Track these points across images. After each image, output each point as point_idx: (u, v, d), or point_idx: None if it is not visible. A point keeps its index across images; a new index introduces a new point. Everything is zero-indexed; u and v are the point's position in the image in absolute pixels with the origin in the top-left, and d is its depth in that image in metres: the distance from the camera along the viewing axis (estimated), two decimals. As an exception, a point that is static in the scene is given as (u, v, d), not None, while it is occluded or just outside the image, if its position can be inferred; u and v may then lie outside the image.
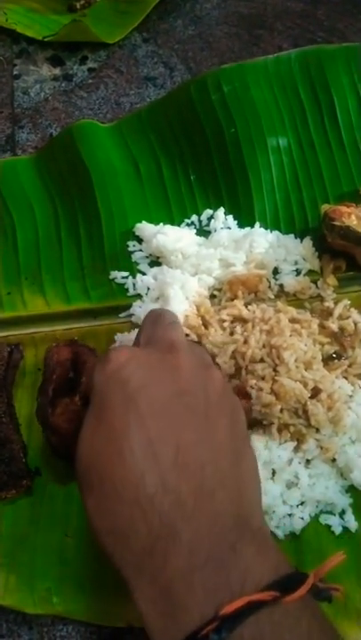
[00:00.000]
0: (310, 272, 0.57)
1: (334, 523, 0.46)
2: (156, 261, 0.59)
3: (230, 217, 0.60)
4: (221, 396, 0.39)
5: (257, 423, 0.48)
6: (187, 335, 0.52)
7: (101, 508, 0.35)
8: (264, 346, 0.50)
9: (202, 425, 0.37)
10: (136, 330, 0.54)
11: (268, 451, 0.47)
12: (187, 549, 0.32)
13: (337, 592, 0.33)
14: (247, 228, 0.59)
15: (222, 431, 0.37)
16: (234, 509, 0.34)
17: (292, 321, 0.52)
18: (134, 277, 0.58)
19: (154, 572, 0.33)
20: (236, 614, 0.29)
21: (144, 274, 0.58)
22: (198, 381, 0.38)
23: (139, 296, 0.57)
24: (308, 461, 0.48)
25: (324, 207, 0.56)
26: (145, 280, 0.57)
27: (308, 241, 0.58)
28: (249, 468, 0.38)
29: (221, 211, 0.60)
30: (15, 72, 0.77)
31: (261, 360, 0.49)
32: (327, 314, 0.54)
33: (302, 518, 0.46)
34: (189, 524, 0.33)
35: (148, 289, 0.56)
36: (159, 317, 0.43)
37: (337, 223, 0.54)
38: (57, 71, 0.77)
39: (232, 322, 0.53)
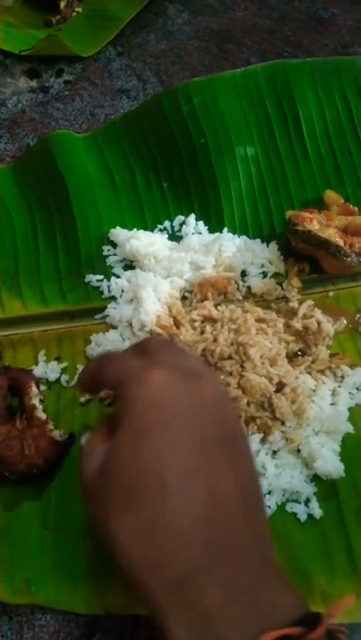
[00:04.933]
0: (276, 275, 0.60)
1: (300, 511, 0.49)
2: (129, 265, 0.61)
3: (201, 223, 0.63)
4: (238, 427, 0.40)
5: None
6: (159, 335, 0.54)
7: (137, 534, 0.34)
8: (232, 344, 0.53)
9: (230, 459, 0.37)
10: (111, 330, 0.57)
11: (237, 442, 0.49)
12: (222, 583, 0.33)
13: (344, 635, 0.34)
14: (217, 233, 0.62)
15: (246, 465, 0.38)
16: (258, 546, 0.36)
17: (259, 320, 0.55)
18: (109, 280, 0.60)
19: (190, 602, 0.33)
20: None
21: (118, 277, 0.60)
22: (221, 413, 0.38)
23: (113, 298, 0.59)
24: (274, 452, 0.50)
25: (289, 213, 0.59)
26: (119, 283, 0.59)
27: (273, 245, 0.61)
28: (262, 506, 0.39)
29: (192, 217, 0.63)
30: (-7, 84, 0.79)
31: (229, 357, 0.52)
32: (292, 314, 0.57)
33: (270, 507, 0.49)
34: (224, 559, 0.34)
35: (123, 291, 0.58)
36: (172, 344, 0.45)
37: (299, 228, 0.57)
38: (34, 83, 0.79)
39: (202, 322, 0.55)
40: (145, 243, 0.59)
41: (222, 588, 0.33)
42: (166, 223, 0.64)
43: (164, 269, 0.59)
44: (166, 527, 0.34)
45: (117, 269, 0.61)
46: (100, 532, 0.36)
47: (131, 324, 0.56)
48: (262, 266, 0.60)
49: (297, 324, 0.55)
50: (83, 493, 0.38)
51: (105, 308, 0.58)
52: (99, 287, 0.60)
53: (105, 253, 0.61)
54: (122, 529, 0.35)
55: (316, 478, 0.50)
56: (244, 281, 0.59)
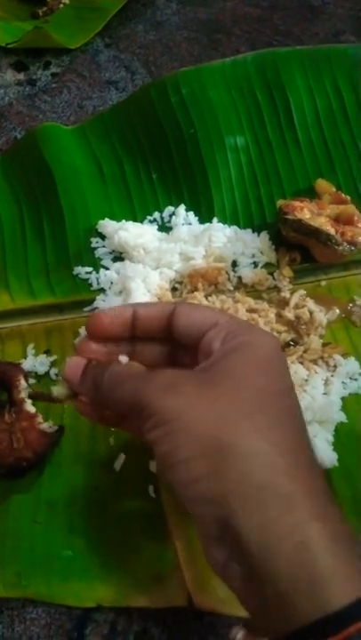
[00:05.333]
0: (267, 264, 0.60)
1: (292, 500, 0.48)
2: (118, 257, 0.60)
3: (191, 213, 0.62)
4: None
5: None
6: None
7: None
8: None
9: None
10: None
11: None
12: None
13: None
14: (207, 224, 0.61)
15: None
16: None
17: (251, 311, 0.55)
18: (97, 272, 0.59)
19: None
20: None
21: (107, 269, 0.59)
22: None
23: (102, 290, 0.58)
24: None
25: (280, 202, 0.59)
26: (108, 275, 0.58)
27: (264, 235, 0.60)
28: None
29: (182, 207, 0.62)
30: (-20, 77, 0.78)
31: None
32: (284, 304, 0.56)
33: (262, 497, 0.48)
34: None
35: (112, 283, 0.58)
36: None
37: (290, 217, 0.56)
38: (21, 76, 0.78)
39: (193, 313, 0.55)
40: (134, 234, 0.58)
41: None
42: (156, 214, 0.63)
43: (154, 260, 0.58)
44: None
45: (106, 261, 0.60)
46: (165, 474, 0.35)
47: (120, 316, 0.55)
48: (253, 256, 0.59)
49: (289, 313, 0.55)
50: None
51: (94, 300, 0.58)
52: (87, 279, 0.59)
53: (93, 245, 0.61)
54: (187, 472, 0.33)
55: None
56: (234, 271, 0.59)
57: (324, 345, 0.54)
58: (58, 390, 0.42)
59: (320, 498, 0.32)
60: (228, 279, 0.58)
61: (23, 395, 0.52)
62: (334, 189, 0.61)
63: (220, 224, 0.61)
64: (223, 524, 0.32)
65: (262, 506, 0.31)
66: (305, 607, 0.29)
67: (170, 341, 0.41)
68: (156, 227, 0.62)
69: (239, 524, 0.31)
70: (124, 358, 0.39)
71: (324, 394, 0.51)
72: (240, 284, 0.58)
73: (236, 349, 0.36)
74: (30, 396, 0.50)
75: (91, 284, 0.59)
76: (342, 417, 0.51)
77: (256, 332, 0.38)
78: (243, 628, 0.32)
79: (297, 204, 0.57)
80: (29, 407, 0.51)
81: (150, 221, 0.63)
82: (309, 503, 0.31)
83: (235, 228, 0.61)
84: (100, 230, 0.61)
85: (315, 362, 0.53)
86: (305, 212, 0.57)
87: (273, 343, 0.37)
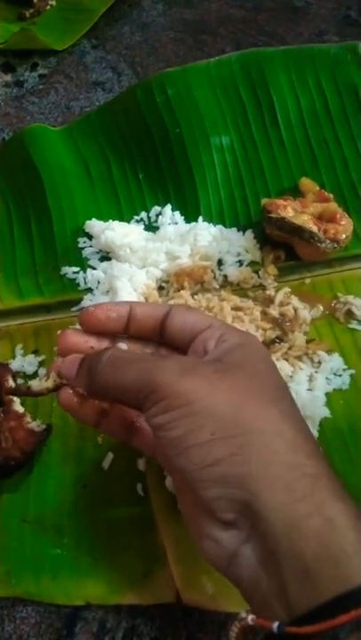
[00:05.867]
0: (252, 263, 0.60)
1: (279, 496, 0.49)
2: (106, 256, 0.61)
3: (177, 213, 0.63)
4: None
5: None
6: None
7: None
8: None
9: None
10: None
11: (214, 430, 0.49)
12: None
13: None
14: (193, 223, 0.62)
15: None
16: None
17: (236, 309, 0.55)
18: (85, 272, 0.60)
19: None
20: None
21: (94, 268, 0.60)
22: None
23: (89, 290, 0.59)
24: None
25: (264, 201, 0.59)
26: (95, 274, 0.59)
27: (249, 233, 0.61)
28: None
29: (168, 207, 0.63)
30: (-33, 79, 0.78)
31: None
32: (269, 301, 0.57)
33: (248, 493, 0.49)
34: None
35: (99, 283, 0.58)
36: None
37: (273, 215, 0.57)
38: (8, 78, 0.78)
39: (179, 311, 0.55)
40: (120, 233, 0.59)
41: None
42: (143, 214, 0.63)
43: (140, 260, 0.58)
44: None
45: (93, 261, 0.60)
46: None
47: (107, 316, 0.56)
48: (238, 254, 0.60)
49: (274, 311, 0.55)
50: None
51: (81, 300, 0.58)
52: (75, 279, 0.60)
53: (81, 245, 0.61)
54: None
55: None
56: (220, 270, 0.59)
57: (308, 342, 0.55)
58: (38, 384, 0.42)
59: (339, 482, 0.33)
60: (214, 277, 0.59)
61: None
62: (318, 188, 0.62)
63: (206, 223, 0.61)
64: (242, 505, 0.32)
65: (290, 486, 0.32)
66: (328, 584, 0.30)
67: (155, 342, 0.42)
68: (143, 226, 0.62)
69: (263, 504, 0.31)
70: (123, 345, 0.40)
71: (309, 390, 0.52)
72: (226, 283, 0.59)
73: (237, 348, 0.37)
74: (11, 392, 0.50)
75: (78, 284, 0.59)
76: (326, 412, 0.51)
77: (248, 335, 0.40)
78: (250, 612, 0.32)
79: (280, 202, 0.58)
80: (17, 407, 0.52)
81: (137, 221, 0.63)
82: (332, 485, 0.32)
83: (220, 227, 0.61)
84: (87, 230, 0.62)
85: (299, 358, 0.54)
86: (288, 210, 0.57)
87: (263, 346, 0.39)
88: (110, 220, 0.61)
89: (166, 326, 0.40)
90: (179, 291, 0.57)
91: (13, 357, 0.56)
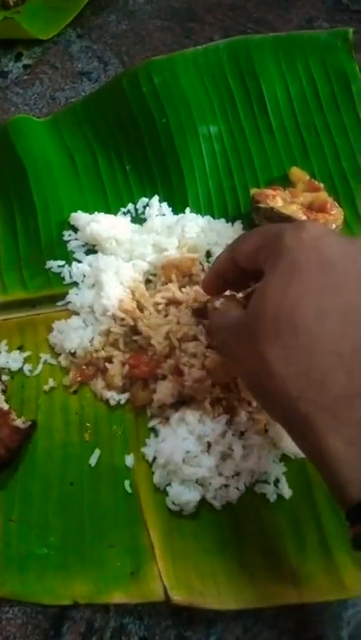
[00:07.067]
0: (241, 254, 0.59)
1: (269, 491, 0.48)
2: (92, 249, 0.59)
3: (165, 204, 0.61)
4: None
5: (191, 399, 0.50)
6: (122, 320, 0.53)
7: (291, 355, 0.36)
8: (198, 325, 0.52)
9: None
10: (74, 317, 0.55)
11: (202, 424, 0.48)
12: None
13: None
14: (181, 214, 0.60)
15: None
16: None
17: (225, 301, 0.54)
18: (70, 266, 0.58)
19: (352, 420, 0.35)
20: None
21: (80, 262, 0.58)
22: None
23: (75, 284, 0.58)
24: (241, 433, 0.49)
25: (253, 191, 0.58)
26: (80, 268, 0.57)
27: (238, 224, 0.60)
28: None
29: (156, 199, 0.61)
30: None
31: (194, 338, 0.51)
32: (258, 293, 0.56)
33: (238, 488, 0.48)
34: None
35: (84, 276, 0.57)
36: None
37: (262, 205, 0.55)
38: (-8, 68, 0.77)
39: (167, 304, 0.54)
40: (106, 226, 0.58)
41: None
42: (130, 206, 0.62)
43: (126, 252, 0.57)
44: (325, 350, 0.36)
45: (79, 254, 0.59)
46: (246, 367, 0.39)
47: (93, 310, 0.54)
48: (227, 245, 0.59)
49: (263, 303, 0.54)
50: (222, 339, 0.43)
51: (67, 294, 0.57)
52: (60, 273, 0.59)
53: (66, 238, 0.60)
54: (275, 352, 0.37)
55: (285, 458, 0.49)
56: (208, 261, 0.58)
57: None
58: None
59: None
60: (202, 269, 0.57)
61: (-5, 391, 0.51)
62: (308, 177, 0.60)
63: (193, 214, 0.60)
64: None
65: None
66: None
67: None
68: (130, 218, 0.61)
69: None
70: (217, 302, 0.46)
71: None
72: (214, 275, 0.58)
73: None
74: None
75: (63, 278, 0.58)
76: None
77: None
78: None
79: (269, 192, 0.57)
80: (2, 404, 0.51)
81: (124, 213, 0.62)
82: None
83: (208, 217, 0.60)
84: (72, 223, 0.60)
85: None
86: (277, 200, 0.56)
87: None
88: (96, 213, 0.60)
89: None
90: (166, 283, 0.56)
91: (-2, 354, 0.55)
